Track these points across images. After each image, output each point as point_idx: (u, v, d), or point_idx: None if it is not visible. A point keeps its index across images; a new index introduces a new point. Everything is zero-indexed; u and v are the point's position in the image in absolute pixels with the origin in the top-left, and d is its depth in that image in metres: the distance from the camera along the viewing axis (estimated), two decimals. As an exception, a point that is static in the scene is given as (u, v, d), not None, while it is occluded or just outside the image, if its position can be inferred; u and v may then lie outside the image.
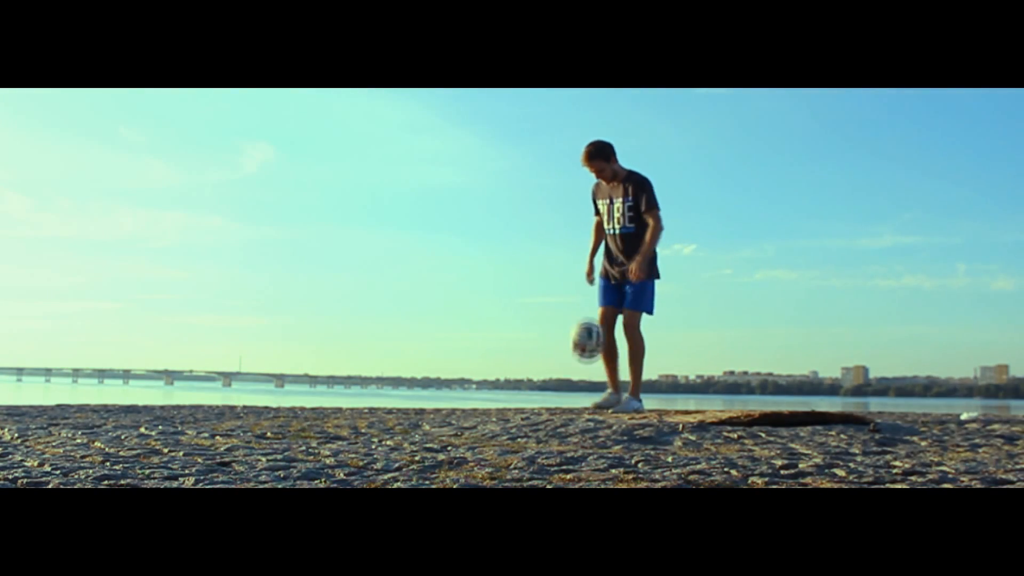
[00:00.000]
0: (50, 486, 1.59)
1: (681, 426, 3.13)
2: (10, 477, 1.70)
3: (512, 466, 1.97)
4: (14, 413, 3.90)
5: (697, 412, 3.93)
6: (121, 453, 2.19)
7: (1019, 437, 3.08)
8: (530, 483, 1.72)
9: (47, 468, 1.86)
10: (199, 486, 1.62)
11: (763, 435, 2.92)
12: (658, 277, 4.92)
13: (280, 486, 1.63)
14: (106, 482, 1.66)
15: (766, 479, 1.79)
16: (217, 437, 2.72)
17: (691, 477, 1.82)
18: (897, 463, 2.14)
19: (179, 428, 3.10)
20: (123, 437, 2.66)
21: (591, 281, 5.09)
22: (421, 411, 4.73)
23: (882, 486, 1.70)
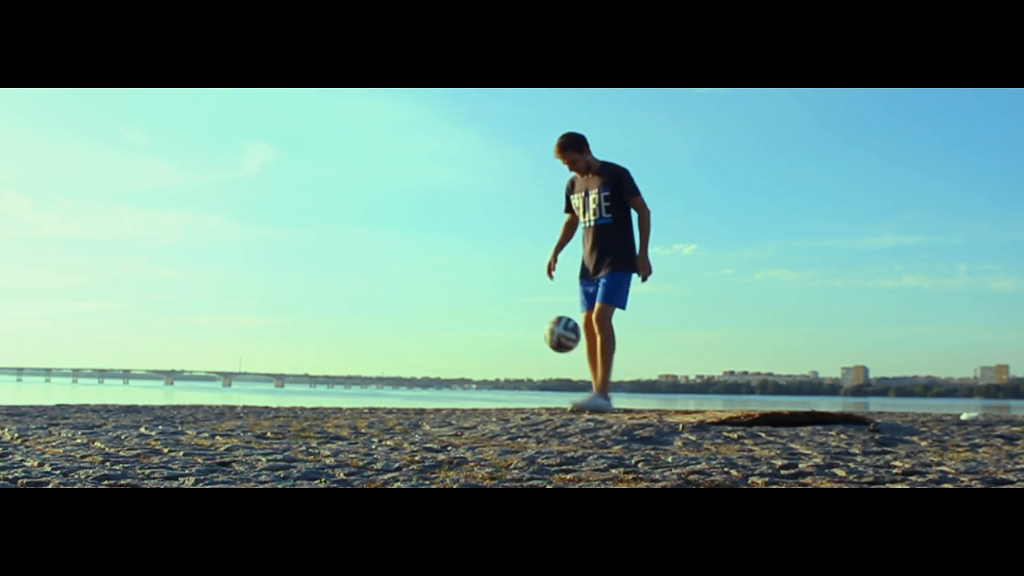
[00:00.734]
0: (50, 486, 1.60)
1: (681, 426, 3.13)
2: (10, 477, 1.70)
3: (512, 466, 1.97)
4: (14, 413, 3.90)
5: (697, 412, 3.93)
6: (121, 453, 2.19)
7: (1019, 437, 3.08)
8: (530, 483, 1.72)
9: (47, 468, 1.86)
10: (199, 486, 1.62)
11: (763, 435, 2.92)
12: (650, 272, 4.80)
13: (280, 486, 1.63)
14: (106, 482, 1.66)
15: (766, 479, 1.79)
16: (217, 437, 2.72)
17: (691, 477, 1.82)
18: (897, 463, 2.14)
19: (179, 428, 3.10)
20: (123, 437, 2.66)
21: (551, 275, 5.00)
22: (421, 411, 4.73)
23: (882, 486, 1.70)
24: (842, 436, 2.95)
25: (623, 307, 4.74)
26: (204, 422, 3.50)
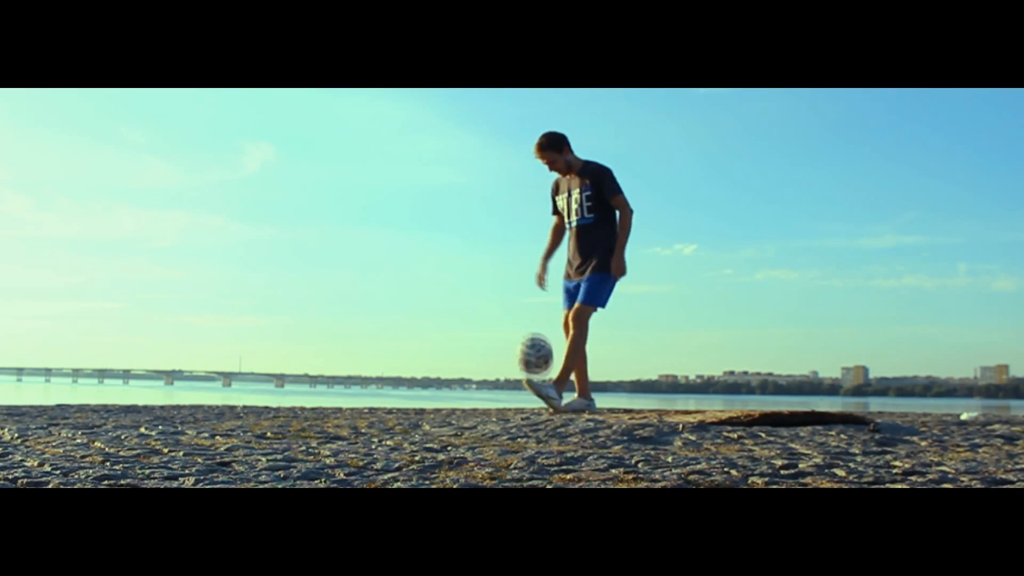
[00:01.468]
0: (50, 486, 1.60)
1: (681, 426, 3.13)
2: (10, 477, 1.70)
3: (512, 466, 1.97)
4: (14, 413, 3.90)
5: (697, 412, 3.93)
6: (121, 453, 2.19)
7: (1019, 437, 3.08)
8: (530, 483, 1.72)
9: (47, 468, 1.86)
10: (199, 486, 1.62)
11: (763, 435, 2.92)
12: (623, 273, 4.71)
13: (280, 486, 1.63)
14: (106, 482, 1.66)
15: (766, 479, 1.79)
16: (217, 437, 2.72)
17: (691, 477, 1.82)
18: (897, 463, 2.14)
19: (179, 428, 3.10)
20: (123, 437, 2.66)
21: (542, 284, 4.93)
22: (421, 411, 4.73)
23: (882, 486, 1.70)
24: (842, 436, 2.95)
25: (603, 306, 4.67)
26: (204, 422, 3.50)
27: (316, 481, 1.73)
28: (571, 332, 4.68)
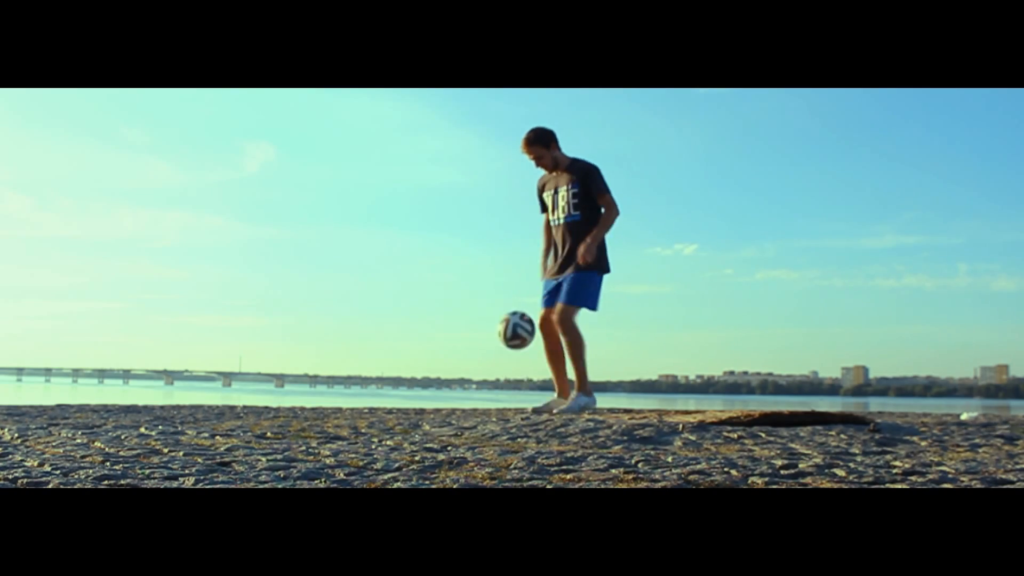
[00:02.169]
0: (50, 486, 1.60)
1: (681, 426, 3.13)
2: (10, 477, 1.70)
3: (512, 466, 1.97)
4: (14, 413, 3.90)
5: (697, 412, 3.93)
6: (121, 453, 2.19)
7: (1019, 437, 3.08)
8: (530, 483, 1.72)
9: (47, 468, 1.86)
10: (199, 486, 1.62)
11: (763, 435, 2.92)
12: (607, 271, 4.59)
13: (280, 486, 1.63)
14: (106, 482, 1.66)
15: (766, 479, 1.79)
16: (217, 437, 2.72)
17: (691, 477, 1.82)
18: (897, 463, 2.14)
19: (179, 428, 3.10)
20: (123, 437, 2.66)
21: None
22: (421, 411, 4.73)
23: (882, 486, 1.70)
24: (842, 436, 2.95)
25: (593, 307, 4.56)
26: (204, 422, 3.50)
27: (316, 481, 1.73)
28: (563, 339, 4.59)
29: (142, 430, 2.95)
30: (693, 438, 2.81)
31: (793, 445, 2.62)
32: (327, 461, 2.05)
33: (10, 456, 2.09)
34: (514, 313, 4.62)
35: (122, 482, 1.66)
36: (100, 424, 3.30)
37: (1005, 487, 1.70)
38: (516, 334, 4.58)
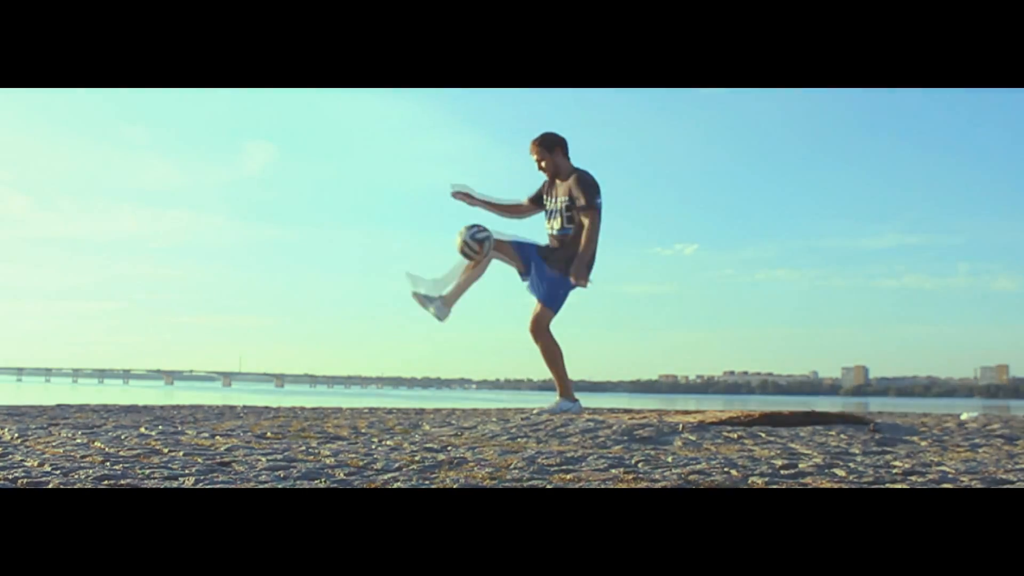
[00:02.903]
0: (50, 486, 1.60)
1: (681, 426, 3.13)
2: (10, 477, 1.70)
3: (512, 466, 1.98)
4: (14, 413, 3.90)
5: (697, 412, 3.93)
6: (121, 453, 2.19)
7: (1019, 437, 3.08)
8: (530, 483, 1.72)
9: (47, 468, 1.86)
10: (199, 486, 1.62)
11: (763, 435, 2.92)
12: (584, 281, 4.45)
13: (280, 486, 1.63)
14: (106, 482, 1.66)
15: (766, 479, 1.79)
16: (217, 437, 2.72)
17: (691, 477, 1.82)
18: (897, 463, 2.14)
19: (179, 428, 3.10)
20: (123, 437, 2.66)
21: (458, 194, 4.57)
22: (421, 411, 4.73)
23: (882, 486, 1.70)
24: (842, 436, 2.95)
25: (555, 311, 4.49)
26: (204, 422, 3.51)
27: (316, 481, 1.73)
28: (538, 346, 4.55)
29: (142, 430, 2.95)
30: (693, 438, 2.81)
31: (793, 445, 2.62)
32: (327, 461, 2.05)
33: (10, 456, 2.09)
34: (469, 228, 4.46)
35: (122, 482, 1.66)
36: (100, 424, 3.30)
37: (1005, 487, 1.70)
38: (464, 253, 4.46)
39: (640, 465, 2.03)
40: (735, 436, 2.88)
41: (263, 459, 2.05)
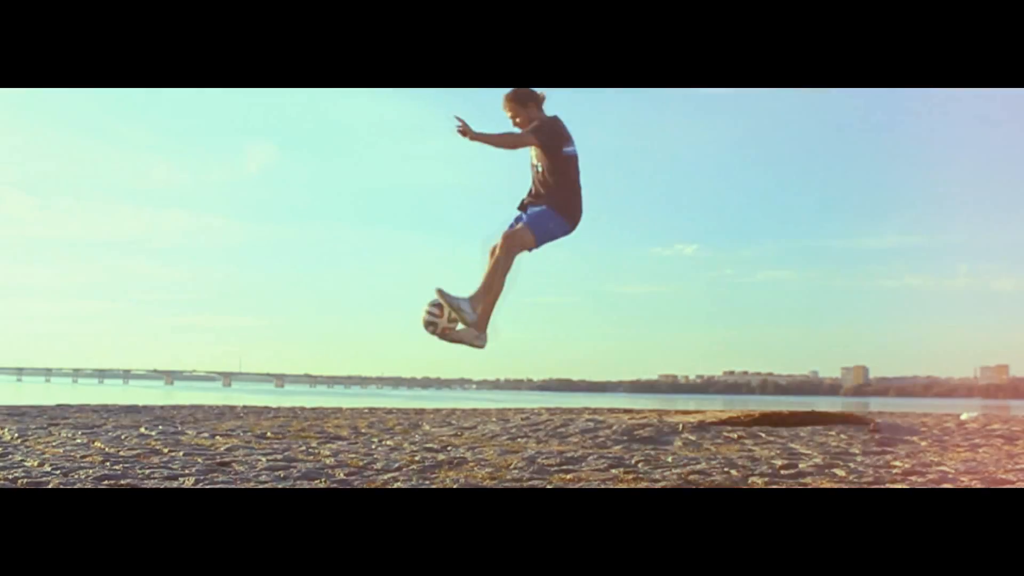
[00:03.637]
0: (50, 486, 1.59)
1: (681, 426, 3.12)
2: (10, 477, 1.70)
3: (512, 466, 1.97)
4: (14, 413, 3.90)
5: (697, 412, 3.93)
6: (121, 453, 2.19)
7: (1019, 437, 3.08)
8: (530, 483, 1.72)
9: (47, 468, 1.86)
10: (199, 486, 1.62)
11: (763, 435, 2.92)
12: (573, 227, 4.45)
13: (280, 486, 1.63)
14: (106, 482, 1.66)
15: (766, 479, 1.79)
16: (217, 437, 2.72)
17: (691, 477, 1.82)
18: (897, 463, 2.14)
19: (179, 428, 3.10)
20: (123, 437, 2.66)
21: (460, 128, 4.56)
22: (421, 411, 4.73)
23: (882, 486, 1.70)
24: (842, 436, 2.95)
25: (536, 245, 4.38)
26: (204, 422, 3.50)
27: (316, 481, 1.73)
28: (497, 251, 4.29)
29: (142, 430, 2.95)
30: (693, 438, 2.81)
31: (793, 445, 2.62)
32: (327, 461, 2.05)
33: (10, 456, 2.09)
34: (431, 311, 4.36)
35: (122, 482, 1.66)
36: (100, 424, 3.30)
37: (1005, 487, 1.70)
38: (426, 322, 4.35)
39: (640, 465, 2.03)
40: (735, 436, 2.87)
41: (263, 459, 2.05)
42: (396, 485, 1.66)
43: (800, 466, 2.02)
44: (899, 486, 1.71)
